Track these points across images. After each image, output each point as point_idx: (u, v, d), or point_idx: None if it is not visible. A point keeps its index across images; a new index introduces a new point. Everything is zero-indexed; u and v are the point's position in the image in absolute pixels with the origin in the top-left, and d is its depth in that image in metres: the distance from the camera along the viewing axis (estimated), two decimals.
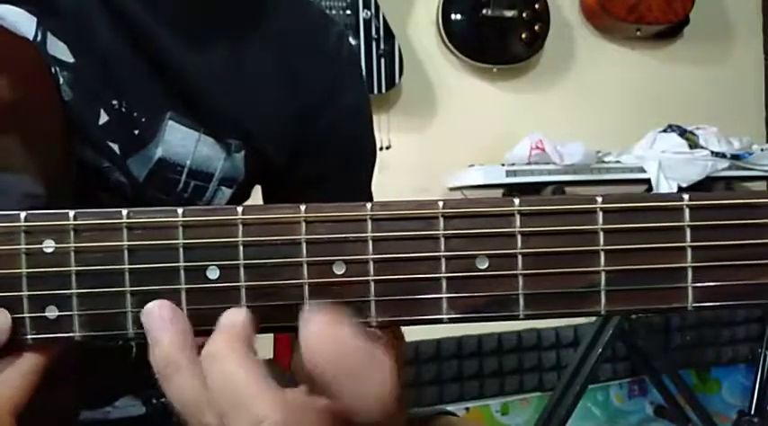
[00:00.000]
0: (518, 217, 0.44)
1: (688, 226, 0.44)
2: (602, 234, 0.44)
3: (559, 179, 2.47)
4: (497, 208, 0.45)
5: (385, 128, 2.70)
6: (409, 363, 2.65)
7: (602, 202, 0.44)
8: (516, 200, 0.45)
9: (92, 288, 0.46)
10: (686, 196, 0.44)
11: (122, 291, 0.46)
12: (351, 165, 0.90)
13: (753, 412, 2.51)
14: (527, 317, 0.45)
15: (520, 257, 0.44)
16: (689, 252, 0.45)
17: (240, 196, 0.84)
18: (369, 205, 0.45)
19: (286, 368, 1.07)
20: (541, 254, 0.44)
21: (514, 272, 0.44)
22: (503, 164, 2.51)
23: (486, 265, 0.45)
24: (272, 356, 1.61)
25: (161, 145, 0.75)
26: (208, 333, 0.48)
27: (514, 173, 2.46)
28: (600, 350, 2.51)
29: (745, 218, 0.45)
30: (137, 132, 0.74)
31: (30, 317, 0.46)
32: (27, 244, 0.46)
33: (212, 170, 0.79)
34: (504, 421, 2.82)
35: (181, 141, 0.76)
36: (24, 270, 0.46)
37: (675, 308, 0.45)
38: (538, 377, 2.86)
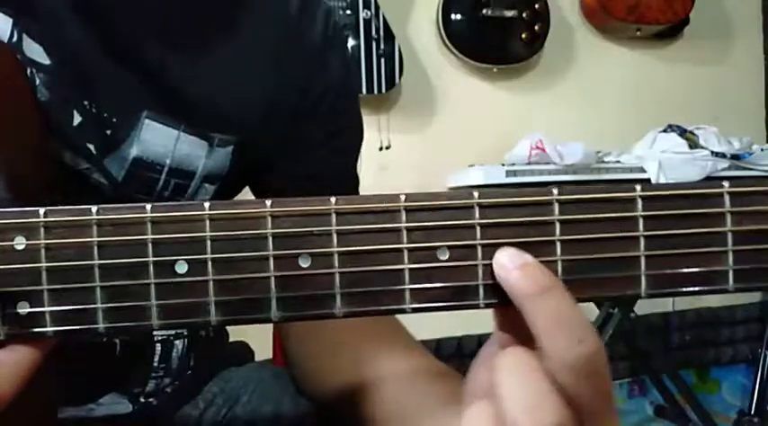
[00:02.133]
0: (477, 209, 0.45)
1: (640, 216, 0.46)
2: (558, 224, 0.46)
3: (559, 179, 2.47)
4: (457, 200, 0.46)
5: (385, 128, 2.70)
6: None
7: (558, 194, 0.46)
8: (476, 193, 0.45)
9: (62, 283, 0.46)
10: (638, 187, 0.46)
11: (92, 286, 0.46)
12: (338, 138, 0.89)
13: (753, 412, 2.51)
14: (487, 306, 0.46)
15: (480, 248, 0.45)
16: (641, 241, 0.46)
17: (226, 193, 0.84)
18: (333, 199, 0.46)
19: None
20: (500, 245, 0.45)
21: (474, 263, 0.46)
22: (503, 164, 2.51)
23: (446, 256, 0.46)
24: (270, 356, 1.61)
25: (136, 144, 0.74)
26: (177, 326, 0.48)
27: (514, 173, 2.46)
28: None
29: (695, 208, 0.46)
30: (109, 132, 0.73)
31: (2, 313, 0.46)
32: None
33: (193, 168, 0.78)
34: None
35: (159, 140, 0.75)
36: None
37: (629, 296, 0.46)
38: None
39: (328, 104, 0.86)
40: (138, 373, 0.84)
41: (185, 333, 0.88)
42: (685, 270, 0.46)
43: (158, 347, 0.85)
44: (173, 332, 0.86)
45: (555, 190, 0.46)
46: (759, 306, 3.19)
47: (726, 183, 0.46)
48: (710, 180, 2.41)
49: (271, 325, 1.50)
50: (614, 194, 0.46)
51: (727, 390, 3.14)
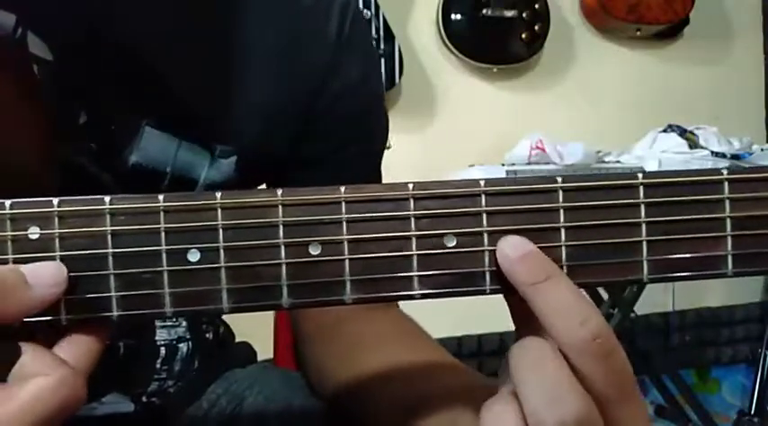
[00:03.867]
0: (483, 197, 0.47)
1: (642, 202, 0.47)
2: (562, 211, 0.47)
3: None
4: (464, 189, 0.47)
5: None
6: None
7: (562, 182, 0.47)
8: (482, 182, 0.47)
9: (76, 272, 0.47)
10: (640, 175, 0.47)
11: (106, 275, 0.47)
12: (356, 142, 0.87)
13: (753, 412, 2.50)
14: (493, 292, 0.47)
15: (486, 235, 0.47)
16: (643, 227, 0.47)
17: None
18: (342, 188, 0.47)
19: (287, 366, 1.06)
20: (506, 232, 0.47)
21: (481, 249, 0.47)
22: (503, 164, 2.51)
23: (454, 243, 0.47)
24: (272, 355, 1.61)
25: (136, 151, 0.73)
26: (190, 313, 0.49)
27: (515, 173, 2.45)
28: None
29: (695, 195, 0.47)
30: (110, 136, 0.73)
31: None
32: (12, 230, 0.46)
33: (195, 176, 0.77)
34: None
35: (159, 148, 0.74)
36: (10, 256, 0.46)
37: (632, 281, 0.47)
38: None
39: (344, 107, 0.83)
40: (140, 374, 0.84)
41: (188, 336, 0.87)
42: (686, 256, 0.47)
43: (162, 351, 0.85)
44: (176, 336, 0.86)
45: (559, 178, 0.47)
46: (759, 306, 3.19)
47: (725, 171, 0.47)
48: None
49: (272, 326, 1.50)
50: (617, 181, 0.47)
51: (728, 390, 3.14)
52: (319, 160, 0.84)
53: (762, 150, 2.65)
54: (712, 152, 2.56)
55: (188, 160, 0.76)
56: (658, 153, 2.58)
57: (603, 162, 2.61)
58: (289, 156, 0.83)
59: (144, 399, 0.84)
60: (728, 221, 0.48)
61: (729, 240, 0.48)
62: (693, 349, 3.11)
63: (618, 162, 2.62)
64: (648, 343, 2.90)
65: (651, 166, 2.48)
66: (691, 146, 2.60)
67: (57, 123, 0.69)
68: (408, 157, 2.76)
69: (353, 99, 0.84)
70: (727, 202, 0.48)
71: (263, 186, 0.88)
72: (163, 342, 0.85)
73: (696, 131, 2.66)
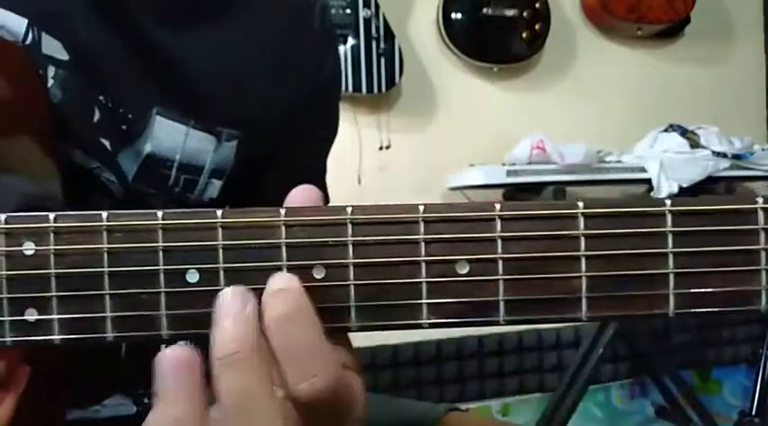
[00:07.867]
0: (499, 221, 0.44)
1: (670, 232, 0.44)
2: (583, 239, 0.44)
3: (560, 179, 2.46)
4: (478, 212, 0.44)
5: (385, 128, 2.69)
6: (410, 363, 2.66)
7: (584, 207, 0.44)
8: (497, 205, 0.44)
9: (71, 290, 0.45)
10: (668, 202, 0.44)
11: (101, 294, 0.45)
12: (321, 133, 0.91)
13: (754, 412, 2.50)
14: (507, 323, 0.45)
15: (501, 262, 0.44)
16: (671, 258, 0.44)
17: (232, 187, 0.83)
18: (349, 209, 0.45)
19: None
20: (522, 260, 0.44)
21: (495, 278, 0.44)
22: (503, 164, 2.51)
23: (466, 270, 0.44)
24: None
25: (150, 140, 0.75)
26: (188, 337, 0.47)
27: (515, 173, 2.45)
28: (601, 350, 2.51)
29: (728, 224, 0.45)
30: (124, 127, 0.74)
31: (9, 320, 0.46)
32: (7, 245, 0.45)
33: (202, 163, 0.79)
34: None
35: (169, 135, 0.76)
36: (4, 273, 0.45)
37: (657, 315, 0.44)
38: (539, 378, 2.86)
39: (322, 100, 0.88)
40: (142, 374, 0.84)
41: None
42: (716, 290, 0.45)
43: (163, 348, 0.84)
44: None
45: (580, 204, 0.44)
46: None
47: (760, 199, 0.44)
48: (712, 180, 2.42)
49: None
50: (643, 208, 0.44)
51: (729, 391, 3.14)
52: (300, 152, 0.88)
53: (763, 150, 2.65)
54: (713, 152, 2.55)
55: (196, 146, 0.78)
56: (659, 153, 2.58)
57: (604, 162, 2.61)
58: (278, 146, 0.85)
59: (146, 400, 0.84)
60: (763, 254, 0.45)
61: (764, 274, 0.44)
62: (695, 349, 3.10)
63: (619, 162, 2.62)
64: (649, 344, 2.89)
65: (652, 166, 2.48)
66: (692, 146, 2.60)
67: (66, 126, 0.70)
68: (408, 157, 2.75)
69: (328, 94, 0.90)
70: (763, 233, 0.45)
71: (258, 182, 0.89)
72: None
73: (697, 131, 2.66)
